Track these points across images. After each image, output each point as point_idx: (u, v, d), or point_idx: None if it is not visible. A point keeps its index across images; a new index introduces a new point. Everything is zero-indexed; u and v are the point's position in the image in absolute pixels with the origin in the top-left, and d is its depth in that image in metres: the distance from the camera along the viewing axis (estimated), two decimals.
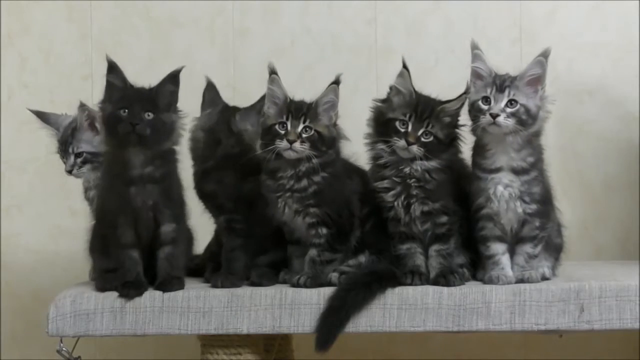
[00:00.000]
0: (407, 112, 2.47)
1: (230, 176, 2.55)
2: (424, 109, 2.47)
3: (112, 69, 2.47)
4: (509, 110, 2.41)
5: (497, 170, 2.45)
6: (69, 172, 2.72)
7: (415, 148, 2.45)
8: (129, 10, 3.37)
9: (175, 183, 2.51)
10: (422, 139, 2.46)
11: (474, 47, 2.49)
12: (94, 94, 3.30)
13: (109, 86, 2.47)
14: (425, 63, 3.29)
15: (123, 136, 2.42)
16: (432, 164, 2.48)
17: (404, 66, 2.50)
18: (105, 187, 2.49)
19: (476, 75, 2.48)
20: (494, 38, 3.31)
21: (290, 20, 3.36)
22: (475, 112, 2.44)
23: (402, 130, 2.47)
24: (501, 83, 2.42)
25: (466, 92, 2.48)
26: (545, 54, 2.43)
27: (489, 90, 2.43)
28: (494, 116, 2.39)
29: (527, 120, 2.42)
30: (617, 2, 3.30)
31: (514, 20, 3.32)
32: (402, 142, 2.46)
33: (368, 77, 3.23)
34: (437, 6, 3.34)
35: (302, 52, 3.34)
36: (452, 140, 2.51)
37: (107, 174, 2.49)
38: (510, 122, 2.40)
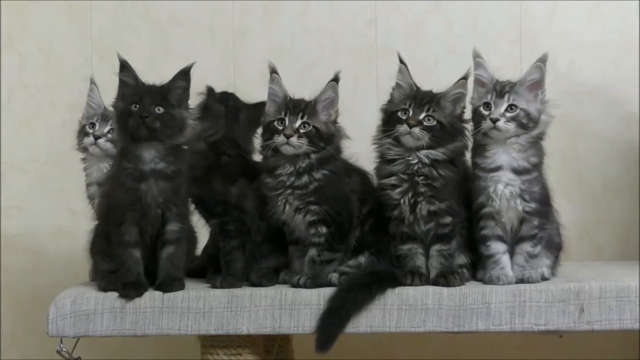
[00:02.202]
0: (408, 102, 2.50)
1: (219, 181, 2.56)
2: (424, 96, 2.51)
3: (124, 67, 2.49)
4: (508, 114, 2.45)
5: (497, 169, 2.48)
6: (97, 137, 2.67)
7: (417, 130, 2.47)
8: (129, 10, 3.37)
9: (185, 182, 2.52)
10: (425, 123, 2.48)
11: (476, 55, 2.53)
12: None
13: (121, 84, 2.50)
14: (425, 63, 3.30)
15: (134, 130, 2.44)
16: (438, 153, 2.48)
17: (401, 61, 2.53)
18: (115, 183, 2.49)
19: (478, 82, 2.53)
20: (494, 39, 3.32)
21: (290, 20, 3.36)
22: (477, 118, 2.49)
23: (404, 118, 2.49)
24: (501, 89, 2.48)
25: (465, 78, 2.51)
26: (543, 59, 2.48)
27: (489, 97, 2.48)
28: (494, 121, 2.45)
29: (528, 124, 2.46)
30: (617, 3, 3.30)
31: (514, 20, 3.33)
32: (404, 127, 2.48)
33: (368, 77, 3.23)
34: (437, 6, 3.34)
35: (302, 52, 3.34)
36: (458, 133, 2.52)
37: (119, 169, 2.49)
38: (511, 126, 2.45)
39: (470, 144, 2.54)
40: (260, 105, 2.59)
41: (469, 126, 2.53)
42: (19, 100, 3.39)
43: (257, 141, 2.62)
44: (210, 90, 2.59)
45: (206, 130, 2.56)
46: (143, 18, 3.38)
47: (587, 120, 3.30)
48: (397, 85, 2.55)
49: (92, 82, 2.75)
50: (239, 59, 3.35)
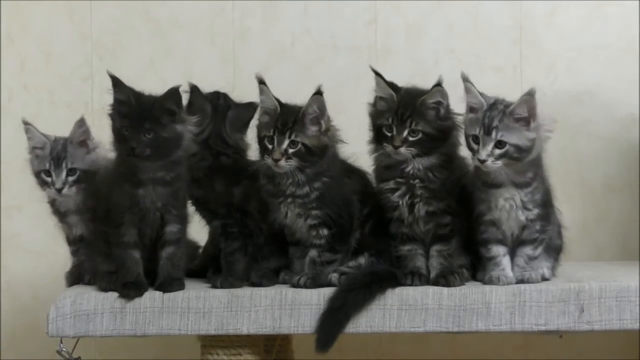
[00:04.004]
0: (390, 117, 2.48)
1: (221, 183, 2.56)
2: (404, 109, 2.46)
3: (116, 84, 2.46)
4: (497, 152, 2.37)
5: (498, 185, 2.45)
6: (59, 190, 2.57)
7: (403, 150, 2.46)
8: (129, 10, 3.37)
9: (184, 184, 2.52)
10: (410, 138, 2.46)
11: (464, 79, 2.44)
12: (94, 95, 3.31)
13: (115, 100, 2.46)
14: (425, 63, 3.30)
15: (126, 156, 2.43)
16: (432, 160, 2.48)
17: (375, 73, 2.52)
18: (113, 185, 2.49)
19: (469, 107, 2.45)
20: (494, 38, 3.31)
21: (290, 21, 3.35)
22: (468, 146, 2.43)
23: (389, 135, 2.47)
24: (489, 124, 2.38)
25: (439, 84, 2.46)
26: (530, 92, 2.38)
27: (477, 130, 2.40)
28: (482, 161, 2.38)
29: (521, 156, 2.39)
30: (617, 3, 3.29)
31: (514, 20, 3.32)
32: (389, 148, 2.47)
33: (368, 78, 3.22)
34: (437, 6, 3.34)
35: (302, 53, 3.34)
36: (448, 131, 2.50)
37: (116, 174, 2.49)
38: (499, 163, 2.38)
39: (462, 132, 2.49)
40: (250, 105, 2.59)
41: (461, 118, 2.49)
42: (19, 100, 3.39)
43: (250, 140, 2.62)
44: (194, 88, 2.58)
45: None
46: (143, 18, 3.38)
47: (587, 120, 3.30)
48: (379, 97, 2.52)
49: (25, 122, 2.64)
50: (239, 59, 3.35)
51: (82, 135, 2.60)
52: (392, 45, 3.32)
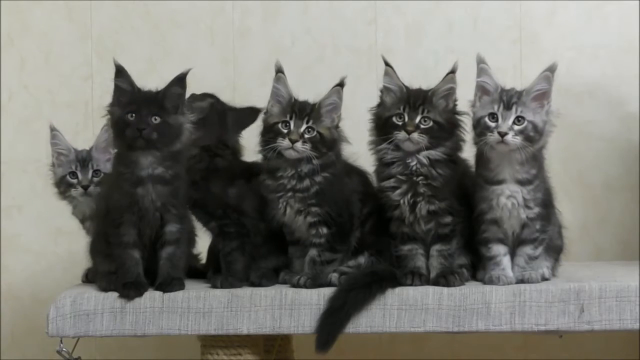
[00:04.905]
0: (401, 105, 2.48)
1: (217, 184, 2.56)
2: (416, 97, 2.48)
3: (120, 72, 2.47)
4: (516, 127, 2.39)
5: (500, 182, 2.45)
6: (86, 187, 2.68)
7: (416, 135, 2.46)
8: (129, 10, 3.37)
9: (183, 184, 2.51)
10: (422, 126, 2.46)
11: (480, 60, 2.46)
12: (94, 95, 3.31)
13: (117, 89, 2.47)
14: (425, 63, 3.30)
15: (131, 140, 2.43)
16: (437, 153, 2.48)
17: (387, 64, 2.52)
18: (113, 186, 2.49)
19: (482, 90, 2.46)
20: (494, 38, 3.31)
21: (290, 21, 3.36)
22: (481, 129, 2.42)
23: (400, 123, 2.48)
24: (508, 99, 2.40)
25: (453, 72, 2.48)
26: (551, 69, 2.42)
27: (495, 107, 2.41)
28: (503, 135, 2.38)
29: (535, 137, 2.40)
30: (617, 3, 3.30)
31: (514, 20, 3.33)
32: (402, 134, 2.46)
33: (368, 78, 3.23)
34: (437, 6, 3.34)
35: (302, 53, 3.34)
36: (453, 126, 2.51)
37: (116, 173, 2.50)
38: (518, 139, 2.38)
39: (465, 135, 2.51)
40: (252, 109, 2.59)
41: (464, 118, 2.51)
42: (19, 100, 3.39)
43: (245, 141, 2.62)
44: (191, 96, 2.58)
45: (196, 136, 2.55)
46: (143, 18, 3.38)
47: (587, 120, 3.30)
48: (387, 89, 2.52)
49: (53, 128, 2.76)
50: (239, 59, 3.35)
51: (106, 140, 2.69)
52: (392, 45, 3.32)
